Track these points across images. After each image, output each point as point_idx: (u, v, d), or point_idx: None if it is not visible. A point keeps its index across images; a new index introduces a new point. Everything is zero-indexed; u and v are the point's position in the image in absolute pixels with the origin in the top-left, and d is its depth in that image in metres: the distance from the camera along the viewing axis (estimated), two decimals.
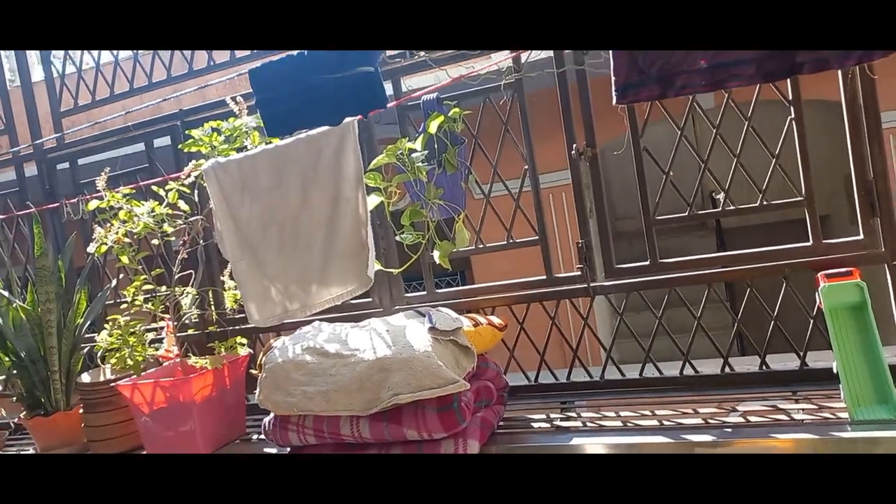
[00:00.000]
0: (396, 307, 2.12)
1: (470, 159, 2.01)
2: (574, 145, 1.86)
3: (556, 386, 2.01)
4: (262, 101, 1.83)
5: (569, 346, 2.01)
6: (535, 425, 1.76)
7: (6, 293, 2.31)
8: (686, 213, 1.82)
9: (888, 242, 1.58)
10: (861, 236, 1.61)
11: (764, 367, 1.79)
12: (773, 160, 1.72)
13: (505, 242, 2.03)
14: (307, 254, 1.81)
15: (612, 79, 1.49)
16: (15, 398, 2.33)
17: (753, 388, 1.74)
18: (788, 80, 1.66)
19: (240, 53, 2.33)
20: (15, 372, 2.28)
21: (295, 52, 1.83)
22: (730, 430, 1.52)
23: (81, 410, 2.18)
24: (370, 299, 2.18)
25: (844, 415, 1.46)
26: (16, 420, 2.34)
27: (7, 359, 2.27)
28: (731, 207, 1.77)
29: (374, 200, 1.87)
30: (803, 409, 1.55)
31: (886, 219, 1.58)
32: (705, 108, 1.82)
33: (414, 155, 1.82)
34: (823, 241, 1.66)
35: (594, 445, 1.58)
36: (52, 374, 2.24)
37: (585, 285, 1.88)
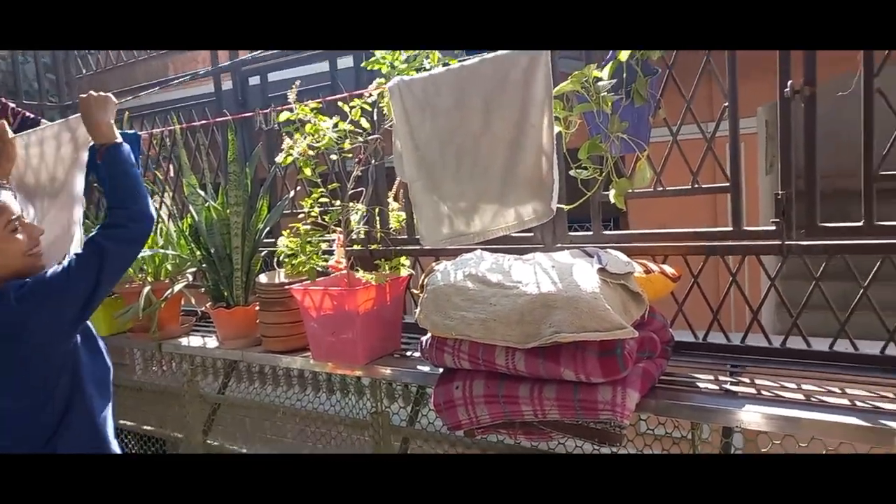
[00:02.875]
0: (559, 245, 2.05)
1: (660, 92, 1.85)
2: (789, 82, 1.63)
3: (726, 347, 1.85)
4: None
5: (749, 306, 1.84)
6: (701, 385, 1.64)
7: (203, 193, 2.53)
8: None
9: None
10: None
11: None
12: None
13: (690, 187, 1.86)
14: (485, 178, 1.78)
15: None
16: (203, 289, 2.59)
17: None
18: None
19: None
20: (204, 266, 2.52)
21: None
22: None
23: (258, 307, 2.37)
24: (532, 234, 2.12)
25: None
26: (203, 309, 2.60)
27: (199, 253, 2.52)
28: None
29: None
30: None
31: None
32: None
33: (600, 83, 1.70)
34: None
35: (768, 415, 1.45)
36: (235, 271, 2.45)
37: (780, 242, 1.68)
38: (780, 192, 1.68)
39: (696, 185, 1.85)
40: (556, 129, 1.80)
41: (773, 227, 1.70)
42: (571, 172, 1.81)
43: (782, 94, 1.64)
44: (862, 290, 1.68)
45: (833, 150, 2.82)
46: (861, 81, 1.58)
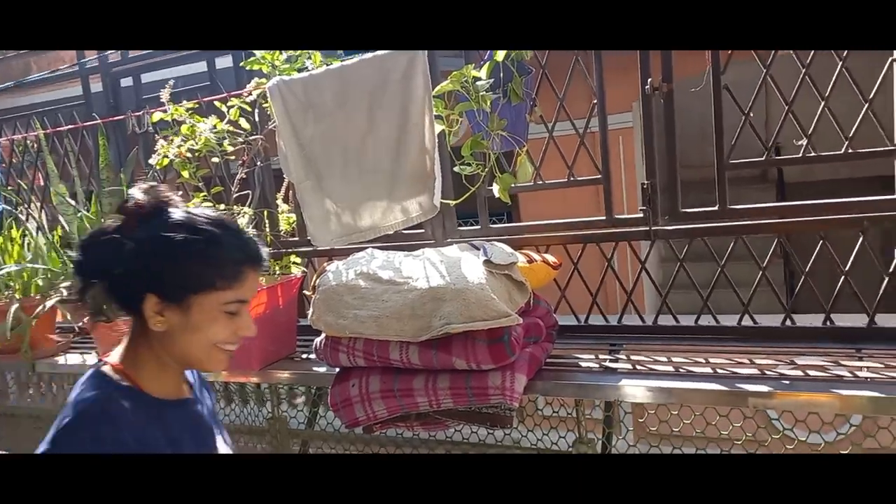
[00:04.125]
0: (449, 240, 2.11)
1: (536, 91, 1.94)
2: (649, 80, 1.77)
3: (606, 328, 1.98)
4: None
5: (623, 289, 1.97)
6: (584, 365, 1.75)
7: (73, 202, 2.38)
8: (763, 158, 1.73)
9: None
10: None
11: (828, 323, 1.73)
12: (866, 105, 1.60)
13: (566, 180, 1.97)
14: (372, 177, 1.80)
15: None
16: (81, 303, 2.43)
17: (815, 344, 1.68)
18: None
19: None
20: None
21: None
22: (787, 382, 1.48)
23: None
24: (422, 230, 2.17)
25: None
26: (80, 324, 2.45)
27: (73, 265, 2.36)
28: (813, 154, 1.67)
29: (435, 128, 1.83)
30: (868, 368, 1.49)
31: None
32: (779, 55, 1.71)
33: (479, 83, 1.77)
34: None
35: (643, 388, 1.57)
36: None
37: (647, 228, 1.82)
38: (645, 182, 1.82)
39: (572, 178, 1.96)
40: (439, 127, 1.85)
41: (641, 215, 1.83)
42: (456, 169, 1.87)
43: (644, 92, 1.78)
44: (720, 269, 1.85)
45: (701, 143, 3.07)
46: (710, 78, 1.74)
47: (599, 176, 1.92)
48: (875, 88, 1.61)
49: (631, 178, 4.89)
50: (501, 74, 1.80)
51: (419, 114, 1.73)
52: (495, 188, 1.91)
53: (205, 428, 1.15)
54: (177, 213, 1.01)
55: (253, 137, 2.08)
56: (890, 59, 1.58)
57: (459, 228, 2.13)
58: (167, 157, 2.03)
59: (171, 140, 2.03)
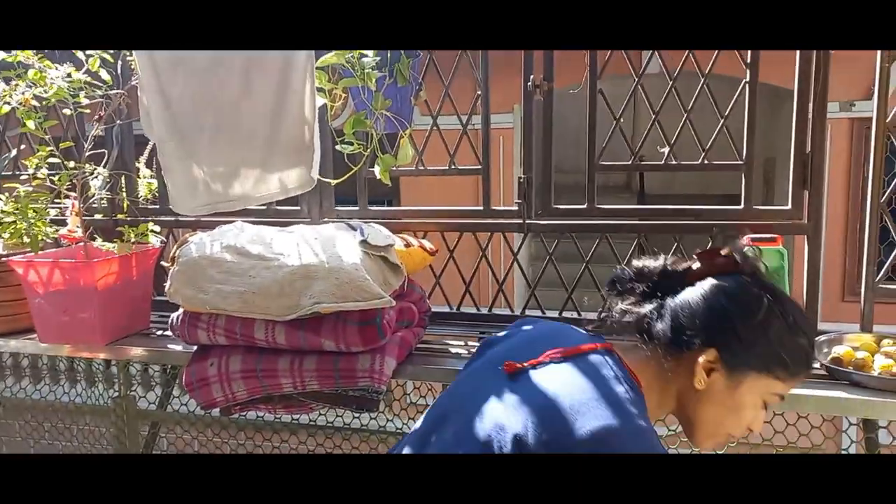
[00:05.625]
0: (325, 219, 2.05)
1: (422, 75, 1.93)
2: (531, 76, 1.81)
3: (476, 316, 2.02)
4: None
5: (495, 278, 2.02)
6: (453, 350, 1.77)
7: None
8: (630, 162, 1.84)
9: (812, 215, 1.66)
10: (789, 206, 1.69)
11: None
12: (722, 121, 1.74)
13: (447, 168, 1.98)
14: (246, 144, 1.69)
15: None
16: None
17: None
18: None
19: None
20: None
21: None
22: None
23: None
24: (298, 207, 2.09)
25: None
26: None
27: None
28: (674, 162, 1.79)
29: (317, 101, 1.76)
30: None
31: (815, 192, 1.65)
32: (651, 73, 1.83)
33: (365, 60, 1.73)
34: (753, 207, 1.72)
35: None
36: None
37: (521, 221, 1.87)
38: (522, 177, 1.87)
39: (453, 167, 1.98)
40: (322, 100, 1.79)
41: (516, 208, 1.88)
42: (338, 147, 1.82)
43: (525, 88, 1.82)
44: (584, 264, 1.95)
45: (575, 153, 3.21)
46: (587, 82, 1.81)
47: (480, 166, 1.95)
48: (730, 106, 1.76)
49: (508, 178, 5.04)
50: (389, 54, 1.77)
51: (300, 81, 1.66)
52: (376, 169, 1.87)
53: None
54: (771, 285, 0.97)
55: (114, 92, 1.89)
56: (743, 82, 1.73)
57: (336, 209, 2.07)
58: (9, 103, 1.80)
59: (15, 84, 1.80)
